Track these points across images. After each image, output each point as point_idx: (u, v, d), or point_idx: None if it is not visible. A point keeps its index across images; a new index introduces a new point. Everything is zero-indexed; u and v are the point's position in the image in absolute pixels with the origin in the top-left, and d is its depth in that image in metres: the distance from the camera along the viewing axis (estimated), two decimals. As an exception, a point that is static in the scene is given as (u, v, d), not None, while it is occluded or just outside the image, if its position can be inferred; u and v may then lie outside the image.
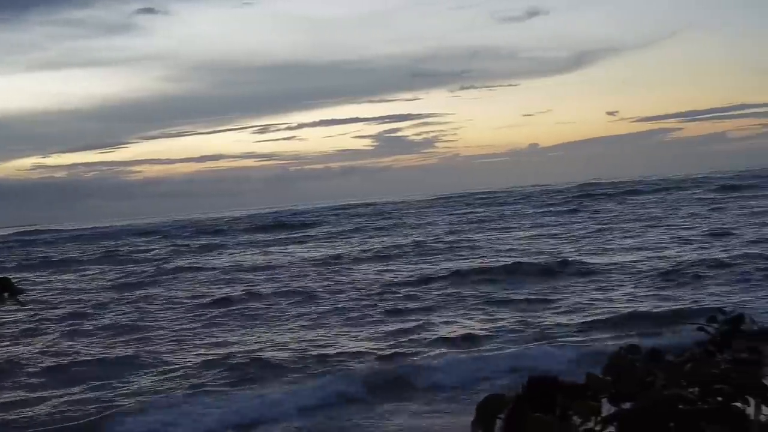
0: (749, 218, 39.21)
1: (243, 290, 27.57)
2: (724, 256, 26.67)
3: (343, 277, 29.35)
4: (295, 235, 52.85)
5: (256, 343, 18.94)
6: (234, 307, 23.95)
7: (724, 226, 35.99)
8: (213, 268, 35.82)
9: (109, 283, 33.32)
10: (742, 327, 2.95)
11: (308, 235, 52.28)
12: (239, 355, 17.63)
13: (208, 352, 18.23)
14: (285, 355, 17.29)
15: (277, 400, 13.94)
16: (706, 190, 63.59)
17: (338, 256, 36.72)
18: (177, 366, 17.04)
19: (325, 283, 28.16)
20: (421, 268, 30.04)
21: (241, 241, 52.04)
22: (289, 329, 20.33)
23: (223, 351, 18.25)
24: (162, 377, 16.19)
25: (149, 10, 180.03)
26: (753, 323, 2.96)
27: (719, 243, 30.60)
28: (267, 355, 17.39)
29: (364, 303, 23.18)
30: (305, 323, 20.93)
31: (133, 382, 16.01)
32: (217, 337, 20.02)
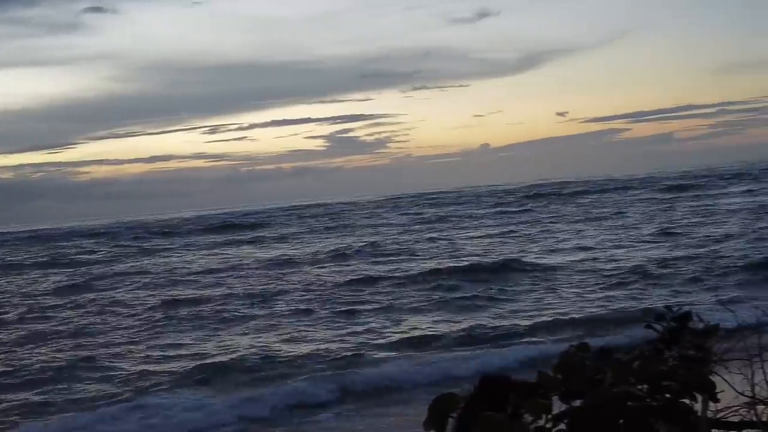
0: (696, 218, 39.89)
1: (193, 292, 27.31)
2: (673, 255, 27.11)
3: (295, 279, 29.17)
4: (247, 237, 52.38)
5: (204, 346, 18.74)
6: (183, 310, 23.67)
7: (672, 226, 36.56)
8: (162, 270, 35.43)
9: (56, 286, 32.75)
10: (689, 324, 2.99)
11: (260, 236, 51.90)
12: (187, 358, 17.45)
13: (156, 356, 18.01)
14: (233, 358, 17.12)
15: (218, 405, 13.71)
16: (654, 190, 64.59)
17: (290, 258, 36.48)
18: (123, 371, 16.78)
19: (276, 284, 27.92)
20: (375, 270, 29.99)
21: (190, 243, 51.49)
22: (239, 332, 20.14)
23: (171, 354, 18.06)
24: (107, 382, 15.94)
25: (97, 9, 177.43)
26: (700, 321, 3.00)
27: (667, 242, 31.10)
28: (216, 359, 17.21)
29: (315, 305, 23.05)
30: (255, 326, 20.75)
31: (78, 386, 15.74)
32: (165, 340, 19.78)
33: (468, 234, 42.60)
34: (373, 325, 19.79)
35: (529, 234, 39.60)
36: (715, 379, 2.81)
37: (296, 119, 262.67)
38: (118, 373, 16.63)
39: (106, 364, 17.49)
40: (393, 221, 56.77)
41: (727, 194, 54.31)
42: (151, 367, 16.88)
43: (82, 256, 46.73)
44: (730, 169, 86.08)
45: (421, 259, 32.59)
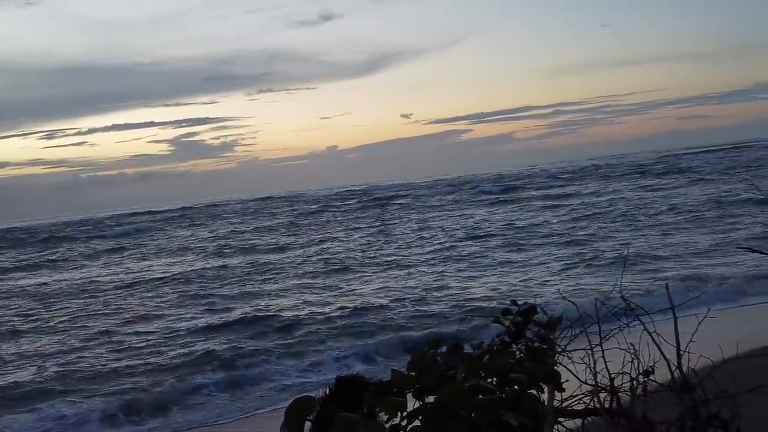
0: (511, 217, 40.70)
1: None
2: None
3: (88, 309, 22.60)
4: (53, 255, 45.32)
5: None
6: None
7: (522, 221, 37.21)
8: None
9: None
10: (534, 318, 3.09)
11: (72, 255, 43.83)
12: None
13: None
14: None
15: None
16: (484, 189, 65.69)
17: (93, 281, 29.52)
18: None
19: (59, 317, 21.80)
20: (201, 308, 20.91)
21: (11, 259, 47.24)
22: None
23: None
24: None
25: None
26: (544, 314, 3.11)
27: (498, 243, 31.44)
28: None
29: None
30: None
31: None
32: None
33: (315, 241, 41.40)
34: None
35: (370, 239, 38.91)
36: (559, 369, 2.92)
37: (139, 123, 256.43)
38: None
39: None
40: (231, 229, 54.70)
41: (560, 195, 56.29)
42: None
43: None
44: (559, 168, 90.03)
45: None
